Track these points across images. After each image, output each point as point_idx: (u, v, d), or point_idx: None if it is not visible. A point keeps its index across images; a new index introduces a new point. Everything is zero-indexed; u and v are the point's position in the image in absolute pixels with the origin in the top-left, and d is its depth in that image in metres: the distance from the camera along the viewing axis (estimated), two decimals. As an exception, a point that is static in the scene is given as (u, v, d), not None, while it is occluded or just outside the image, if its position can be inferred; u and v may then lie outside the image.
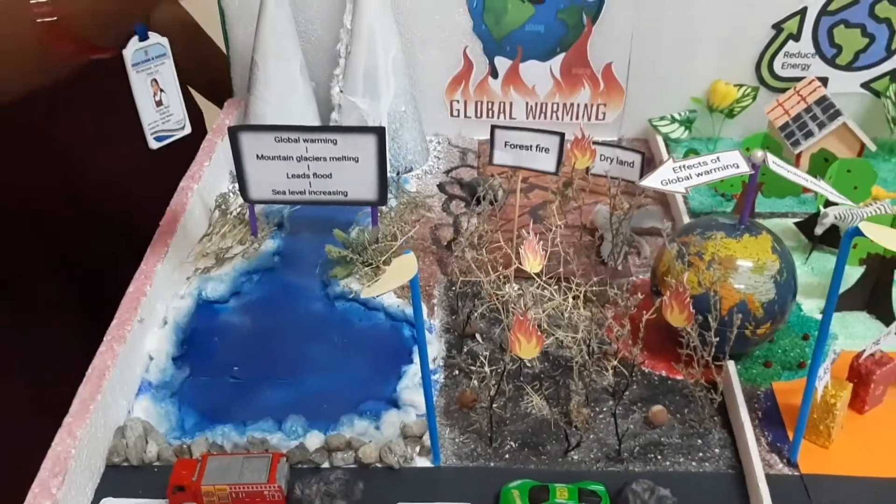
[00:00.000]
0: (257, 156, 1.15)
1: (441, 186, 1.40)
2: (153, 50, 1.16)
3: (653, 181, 0.93)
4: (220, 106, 1.51)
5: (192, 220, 1.21)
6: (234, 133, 1.13)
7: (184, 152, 1.28)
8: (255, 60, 1.32)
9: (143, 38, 1.13)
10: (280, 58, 1.32)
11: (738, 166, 0.92)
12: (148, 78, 1.18)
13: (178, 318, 1.08)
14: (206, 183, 1.28)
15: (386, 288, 0.71)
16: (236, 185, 1.30)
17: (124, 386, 0.96)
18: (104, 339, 0.97)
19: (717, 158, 0.93)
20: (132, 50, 1.13)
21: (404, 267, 0.73)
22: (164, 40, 1.15)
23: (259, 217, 1.25)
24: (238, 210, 1.28)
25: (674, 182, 0.92)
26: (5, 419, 1.11)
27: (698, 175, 0.92)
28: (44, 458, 0.83)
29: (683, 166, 0.93)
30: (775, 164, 0.92)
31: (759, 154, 0.91)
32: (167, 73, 1.22)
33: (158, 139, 1.16)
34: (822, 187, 0.93)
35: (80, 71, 1.14)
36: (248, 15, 1.37)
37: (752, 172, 0.91)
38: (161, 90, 1.19)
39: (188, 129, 1.20)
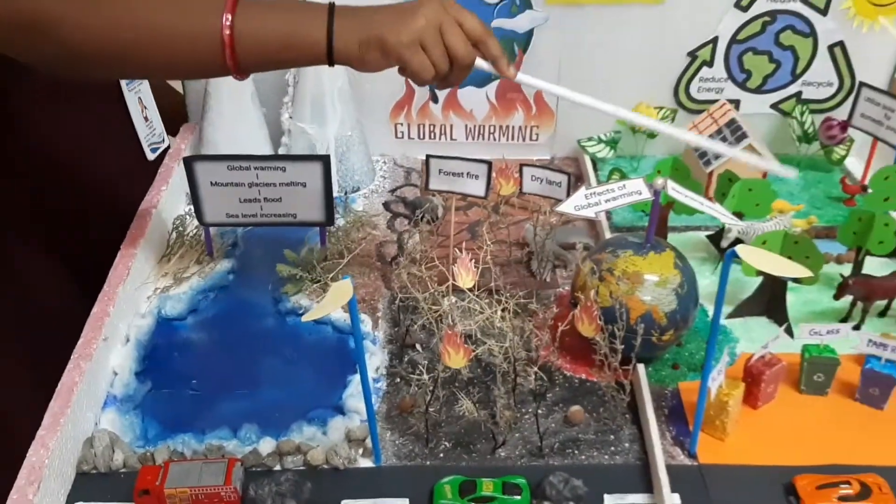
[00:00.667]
0: (211, 182, 1.24)
1: (386, 205, 1.50)
2: None
3: (567, 207, 1.05)
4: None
5: (151, 242, 1.30)
6: (189, 163, 1.22)
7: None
8: (208, 90, 1.40)
9: None
10: (232, 87, 1.40)
11: (640, 193, 1.04)
12: (135, 97, 1.31)
13: (140, 336, 1.17)
14: (164, 206, 1.36)
15: (323, 312, 0.81)
16: (192, 208, 1.39)
17: (91, 400, 1.05)
18: (72, 356, 1.05)
19: (623, 186, 1.05)
20: None
21: (341, 292, 0.83)
22: None
23: (214, 238, 1.34)
24: (194, 231, 1.37)
25: (585, 208, 1.04)
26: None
27: (607, 201, 1.04)
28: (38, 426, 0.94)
29: (594, 193, 1.05)
30: (674, 190, 1.04)
31: (659, 182, 1.03)
32: (146, 91, 1.38)
33: (153, 150, 1.35)
34: (715, 210, 1.05)
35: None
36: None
37: (654, 199, 1.03)
38: (145, 107, 1.33)
39: (167, 142, 1.32)
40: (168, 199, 1.38)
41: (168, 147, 1.47)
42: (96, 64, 0.93)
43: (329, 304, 0.81)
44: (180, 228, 1.37)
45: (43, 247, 1.20)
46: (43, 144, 1.20)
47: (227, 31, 0.92)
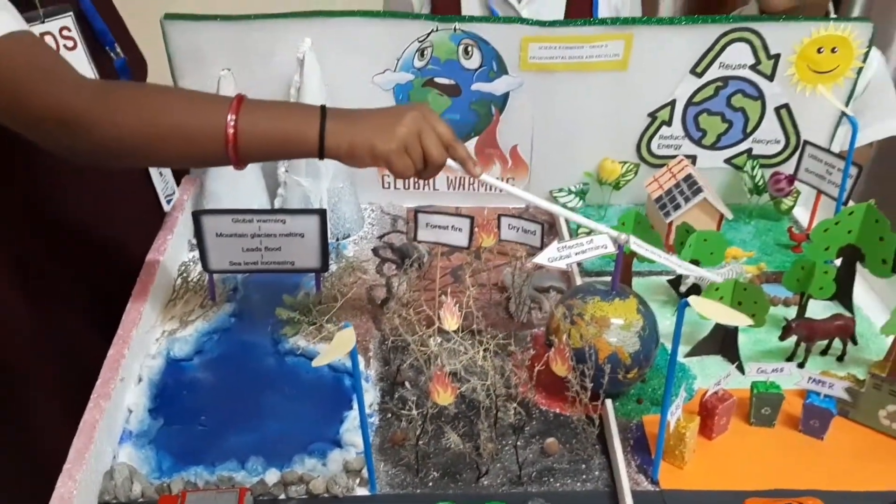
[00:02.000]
0: (217, 234, 1.35)
1: (375, 251, 1.62)
2: None
3: (541, 259, 1.17)
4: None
5: (159, 288, 1.40)
6: (197, 216, 1.33)
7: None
8: (211, 147, 1.52)
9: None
10: (233, 145, 1.52)
11: (606, 247, 1.17)
12: None
13: (152, 376, 1.27)
14: (170, 255, 1.47)
15: (330, 358, 0.92)
16: (195, 255, 1.50)
17: (110, 436, 1.14)
18: (91, 396, 1.15)
19: (591, 241, 1.17)
20: None
21: (345, 340, 0.94)
22: None
23: (216, 283, 1.45)
24: (198, 277, 1.48)
25: (558, 260, 1.16)
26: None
27: (577, 254, 1.17)
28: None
29: (565, 247, 1.17)
30: (635, 244, 1.17)
31: (622, 237, 1.16)
32: None
33: (168, 202, 1.51)
34: (671, 261, 1.18)
35: None
36: (203, 104, 1.57)
37: (617, 252, 1.16)
38: None
39: (178, 193, 1.45)
40: (173, 248, 1.49)
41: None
42: (123, 156, 1.06)
43: (334, 350, 0.93)
44: (185, 275, 1.48)
45: (70, 290, 1.31)
46: (70, 199, 1.32)
47: (231, 130, 1.05)
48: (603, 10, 1.87)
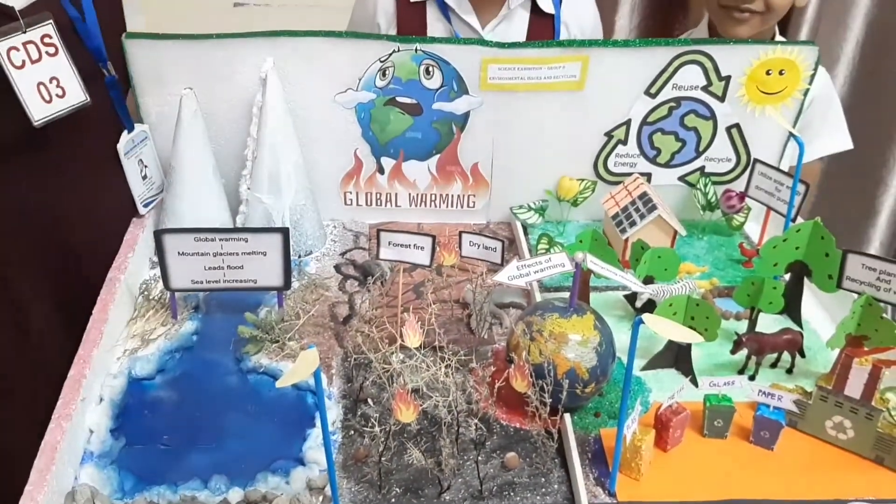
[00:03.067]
0: (178, 252, 1.35)
1: (337, 268, 1.63)
2: (138, 136, 1.55)
3: (501, 277, 1.20)
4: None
5: (120, 306, 1.40)
6: (158, 235, 1.33)
7: None
8: (172, 165, 1.52)
9: (131, 130, 1.51)
10: (195, 163, 1.52)
11: (564, 265, 1.20)
12: (136, 160, 1.54)
13: (113, 395, 1.27)
14: (131, 272, 1.47)
15: (294, 380, 0.93)
16: (157, 272, 1.50)
17: (71, 456, 1.14)
18: (52, 417, 1.15)
19: (549, 259, 1.21)
20: (123, 142, 1.50)
21: (308, 361, 0.95)
22: (146, 127, 1.55)
23: (178, 301, 1.45)
24: (159, 295, 1.48)
25: (517, 278, 1.19)
26: None
27: (535, 272, 1.20)
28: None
29: (525, 265, 1.20)
30: (592, 262, 1.20)
31: (579, 255, 1.19)
32: (149, 151, 1.59)
33: (146, 205, 1.57)
34: (626, 279, 1.22)
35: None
36: (164, 123, 1.57)
37: (575, 270, 1.19)
38: (145, 166, 1.52)
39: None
40: (134, 265, 1.49)
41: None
42: None
43: (298, 371, 0.94)
44: (146, 293, 1.48)
45: (43, 290, 1.34)
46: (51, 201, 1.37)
47: None
48: (563, 36, 1.91)
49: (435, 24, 1.88)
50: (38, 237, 1.35)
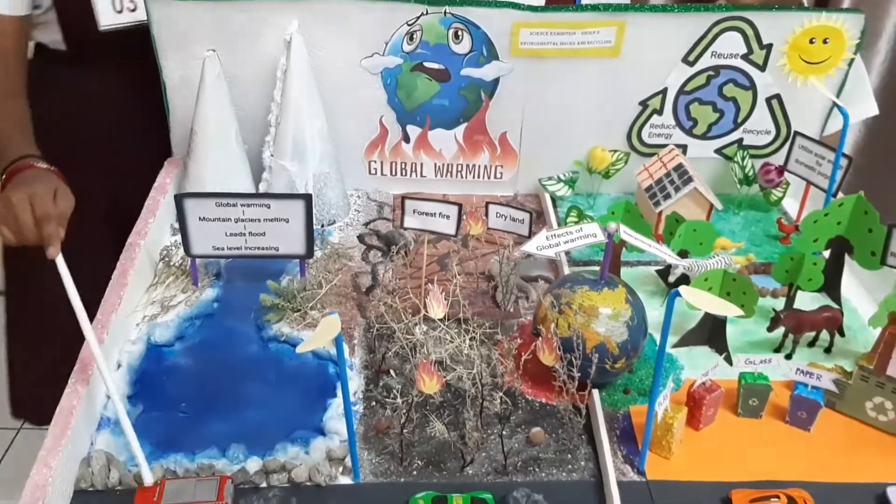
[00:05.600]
0: (200, 217, 1.33)
1: (361, 238, 1.59)
2: None
3: (530, 247, 1.16)
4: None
5: (140, 272, 1.37)
6: (179, 199, 1.30)
7: None
8: (194, 129, 1.49)
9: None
10: (218, 127, 1.49)
11: (596, 235, 1.15)
12: None
13: (131, 361, 1.25)
14: (151, 238, 1.44)
15: (316, 345, 0.90)
16: (177, 239, 1.48)
17: (87, 422, 1.12)
18: (69, 381, 1.13)
19: (581, 229, 1.16)
20: None
21: (330, 326, 0.92)
22: None
23: (199, 268, 1.42)
24: (180, 262, 1.45)
25: (546, 248, 1.15)
26: None
27: (566, 242, 1.15)
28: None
29: (554, 235, 1.16)
30: (625, 233, 1.16)
31: (612, 226, 1.14)
32: None
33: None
34: (661, 251, 1.17)
35: None
36: (187, 86, 1.54)
37: (608, 241, 1.15)
38: None
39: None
40: (155, 231, 1.46)
41: None
42: None
43: (319, 337, 0.91)
44: (166, 259, 1.45)
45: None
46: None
47: None
48: None
49: None
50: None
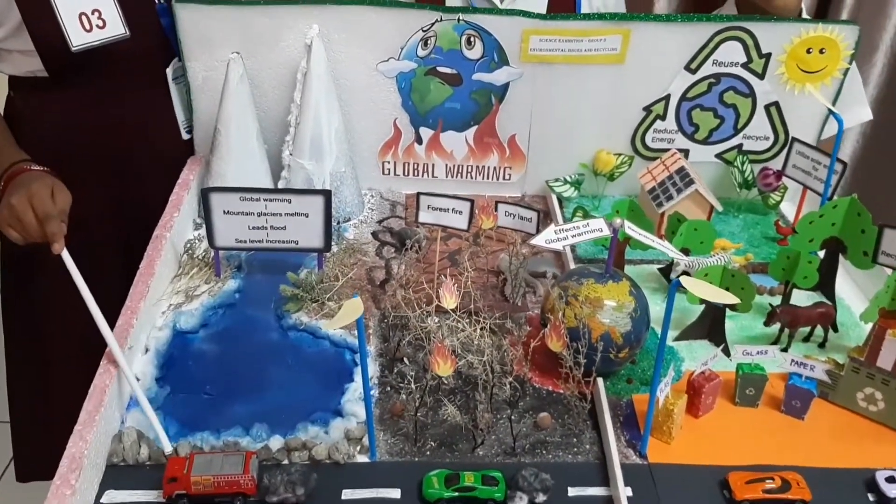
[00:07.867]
0: (224, 211, 1.39)
1: (374, 234, 1.66)
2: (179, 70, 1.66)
3: (539, 240, 1.22)
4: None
5: (165, 263, 1.44)
6: (205, 193, 1.37)
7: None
8: (218, 128, 1.55)
9: (181, 58, 1.60)
10: (240, 127, 1.55)
11: (601, 230, 1.21)
12: (183, 86, 1.66)
13: (158, 346, 1.31)
14: (176, 231, 1.51)
15: (341, 323, 0.96)
16: (200, 233, 1.54)
17: (119, 400, 1.18)
18: (101, 362, 1.19)
19: (587, 224, 1.22)
20: (172, 68, 1.63)
21: (353, 308, 0.98)
22: None
23: (221, 260, 1.49)
24: (203, 254, 1.52)
25: (554, 241, 1.21)
26: None
27: (573, 236, 1.21)
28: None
29: (562, 229, 1.22)
30: (630, 228, 1.22)
31: (617, 221, 1.21)
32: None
33: (188, 132, 1.69)
34: (664, 246, 1.23)
35: None
36: (210, 87, 1.61)
37: (612, 235, 1.21)
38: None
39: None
40: (179, 225, 1.52)
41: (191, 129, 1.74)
42: None
43: (344, 316, 0.97)
44: (190, 251, 1.52)
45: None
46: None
47: None
48: (585, 9, 1.91)
49: None
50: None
